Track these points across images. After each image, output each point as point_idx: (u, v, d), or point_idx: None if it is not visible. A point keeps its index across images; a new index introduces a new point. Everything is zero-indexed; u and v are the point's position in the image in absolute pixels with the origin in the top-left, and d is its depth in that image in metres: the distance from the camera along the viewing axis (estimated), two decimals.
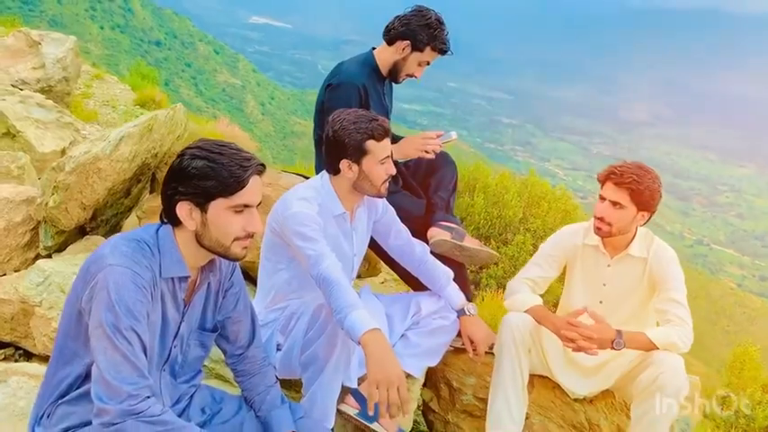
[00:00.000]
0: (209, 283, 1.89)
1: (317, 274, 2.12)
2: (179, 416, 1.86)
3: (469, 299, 3.13)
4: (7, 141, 4.87)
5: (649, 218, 2.77)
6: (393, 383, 1.87)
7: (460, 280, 3.12)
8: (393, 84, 3.16)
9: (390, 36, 2.91)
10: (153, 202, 3.28)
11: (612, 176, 2.68)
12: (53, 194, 2.88)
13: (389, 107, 3.12)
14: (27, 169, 3.95)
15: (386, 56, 2.96)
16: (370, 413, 1.92)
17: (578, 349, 2.57)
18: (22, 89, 6.25)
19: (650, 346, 2.58)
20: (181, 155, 1.69)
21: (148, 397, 1.57)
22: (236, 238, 1.72)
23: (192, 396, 1.95)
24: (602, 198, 2.72)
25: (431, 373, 3.11)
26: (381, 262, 3.33)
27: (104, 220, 3.24)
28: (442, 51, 2.94)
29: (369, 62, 2.97)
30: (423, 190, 3.11)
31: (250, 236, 1.75)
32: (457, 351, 3.04)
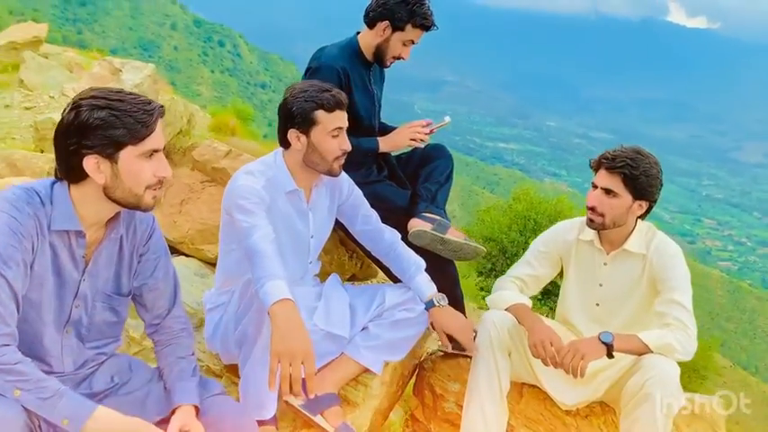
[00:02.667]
0: (121, 246, 1.82)
1: (247, 246, 2.01)
2: (81, 381, 1.80)
3: (459, 303, 2.92)
4: None
5: (649, 208, 2.47)
6: (296, 357, 1.71)
7: (448, 280, 2.92)
8: (383, 70, 3.04)
9: (369, 18, 2.79)
10: None
11: (604, 161, 2.42)
12: None
13: (377, 94, 2.99)
14: None
15: (368, 40, 2.84)
16: (271, 388, 1.77)
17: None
18: None
19: (643, 349, 2.26)
20: (76, 107, 1.62)
21: (7, 345, 1.50)
22: (148, 186, 1.67)
23: (102, 363, 1.87)
24: (595, 186, 2.46)
25: (418, 380, 2.90)
26: None
27: None
28: (425, 27, 2.79)
29: (351, 46, 2.86)
30: (412, 181, 2.94)
31: (160, 182, 1.70)
32: (446, 356, 2.82)
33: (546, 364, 2.32)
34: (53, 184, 1.69)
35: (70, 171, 1.64)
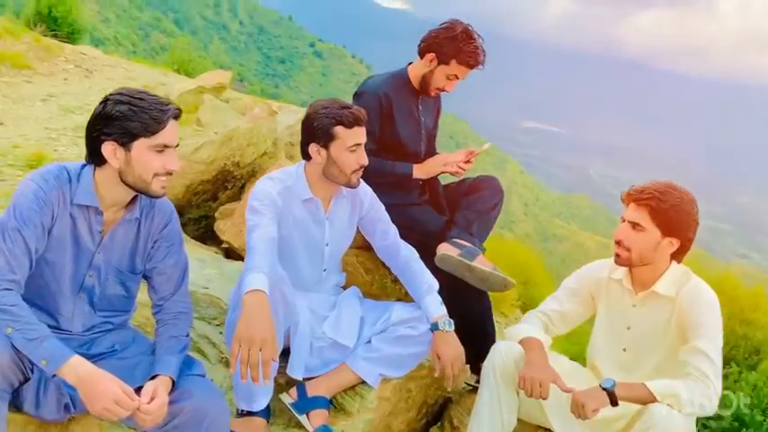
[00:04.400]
0: (138, 230, 2.07)
1: (247, 242, 2.17)
2: (84, 343, 2.04)
3: (489, 337, 2.85)
4: None
5: (681, 248, 2.27)
6: (255, 343, 1.82)
7: (479, 311, 2.87)
8: (438, 101, 3.12)
9: (420, 49, 2.89)
10: (230, 206, 3.63)
11: (633, 194, 2.29)
12: None
13: (426, 122, 3.05)
14: None
15: (417, 69, 2.93)
16: (232, 371, 1.87)
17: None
18: None
19: (649, 398, 2.08)
20: (105, 101, 1.92)
21: (9, 289, 1.77)
22: (156, 174, 1.91)
23: (108, 331, 2.11)
24: (623, 220, 2.32)
25: (444, 413, 2.86)
26: None
27: (192, 219, 3.67)
28: (470, 65, 2.83)
29: (400, 75, 2.96)
30: (453, 208, 2.95)
31: (169, 173, 1.94)
32: (474, 390, 2.76)
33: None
34: (84, 166, 1.99)
35: (93, 155, 1.92)
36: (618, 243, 2.31)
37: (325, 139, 2.35)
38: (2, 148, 5.49)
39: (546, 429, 2.51)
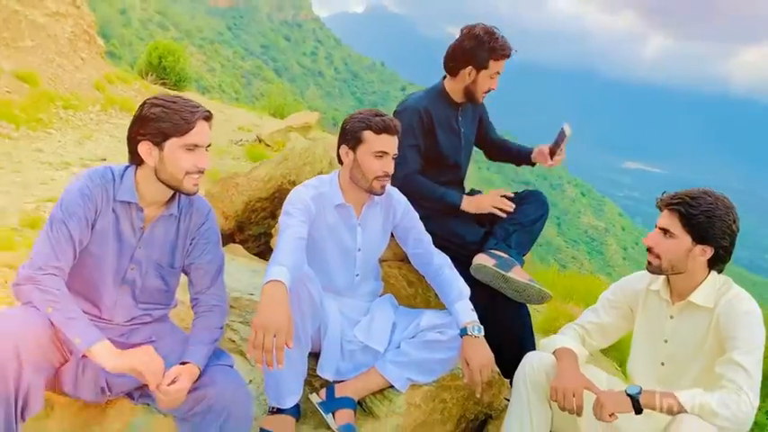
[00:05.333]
0: (178, 227, 2.23)
1: (276, 243, 2.27)
2: (123, 333, 2.18)
3: (525, 350, 2.78)
4: None
5: (717, 256, 2.16)
6: (270, 330, 1.88)
7: (516, 325, 2.82)
8: (476, 110, 3.14)
9: (451, 68, 2.93)
10: None
11: (665, 199, 2.21)
12: None
13: (466, 132, 3.08)
14: None
15: (453, 86, 2.97)
16: (249, 355, 1.95)
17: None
18: None
19: (678, 408, 1.97)
20: (142, 105, 2.11)
21: (54, 275, 1.94)
22: (188, 173, 2.06)
23: (147, 323, 2.25)
24: (656, 227, 2.25)
25: (481, 427, 2.81)
26: None
27: (252, 235, 3.84)
28: (506, 56, 2.87)
29: (437, 89, 3.01)
30: (494, 220, 2.93)
31: (200, 172, 2.09)
32: None
33: (568, 412, 2.14)
34: (127, 167, 2.18)
35: (132, 155, 2.10)
36: (649, 250, 2.23)
37: (354, 142, 2.44)
38: None
39: None
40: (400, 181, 2.81)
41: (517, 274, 2.68)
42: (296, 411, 2.37)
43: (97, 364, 1.89)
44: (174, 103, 2.06)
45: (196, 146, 2.05)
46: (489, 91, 2.97)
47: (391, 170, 2.45)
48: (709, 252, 2.15)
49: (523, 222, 2.88)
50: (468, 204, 2.92)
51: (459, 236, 2.87)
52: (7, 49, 13.98)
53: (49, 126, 11.04)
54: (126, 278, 2.17)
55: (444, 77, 3.04)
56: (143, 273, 2.20)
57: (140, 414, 2.12)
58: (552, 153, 3.03)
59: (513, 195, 2.96)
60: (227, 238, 3.84)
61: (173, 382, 1.95)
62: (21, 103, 10.93)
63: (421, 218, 2.75)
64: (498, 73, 2.92)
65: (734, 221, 2.14)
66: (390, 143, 2.44)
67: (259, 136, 12.23)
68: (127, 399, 2.13)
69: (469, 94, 2.96)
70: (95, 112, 14.84)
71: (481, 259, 2.73)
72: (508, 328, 2.79)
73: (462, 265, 2.73)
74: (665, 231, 2.19)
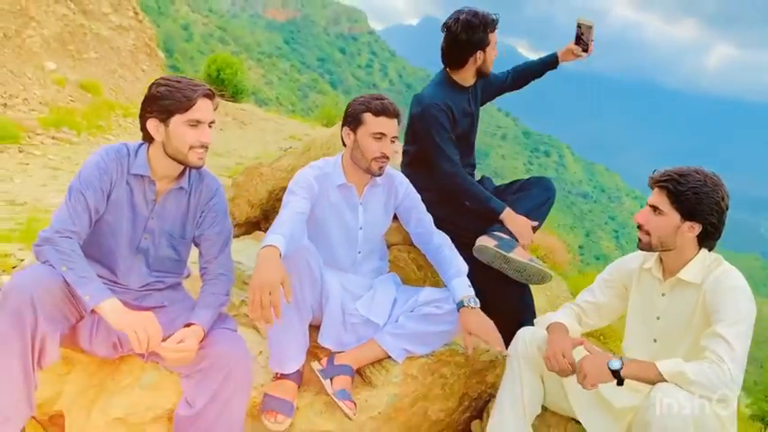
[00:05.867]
0: (189, 201, 2.40)
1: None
2: (137, 297, 2.36)
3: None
4: None
5: (707, 234, 2.18)
6: (264, 288, 2.02)
7: (515, 301, 2.87)
8: (477, 87, 3.19)
9: (456, 63, 3.03)
10: None
11: (654, 177, 2.25)
12: (230, 189, 3.79)
13: (475, 112, 3.17)
14: None
15: (462, 74, 3.06)
16: (251, 316, 2.07)
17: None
18: None
19: (658, 378, 2.00)
20: (150, 86, 2.28)
21: (70, 237, 2.13)
22: (192, 147, 2.23)
23: (160, 290, 2.42)
24: (647, 204, 2.29)
25: (486, 406, 2.87)
26: None
27: None
28: (496, 23, 2.99)
29: (445, 82, 3.08)
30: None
31: (204, 146, 2.25)
32: None
33: (561, 374, 2.21)
34: (141, 144, 2.36)
35: (144, 132, 2.29)
36: (639, 227, 2.27)
37: (355, 124, 2.57)
38: None
39: (576, 421, 2.45)
40: (448, 175, 2.91)
41: (518, 254, 2.74)
42: (298, 378, 2.49)
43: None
44: (178, 82, 2.23)
45: (198, 122, 2.21)
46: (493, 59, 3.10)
47: (389, 152, 2.56)
48: (698, 228, 2.18)
49: (529, 207, 2.93)
50: (510, 218, 2.89)
51: (459, 223, 2.95)
52: (73, 60, 14.77)
53: (108, 132, 11.61)
54: (140, 247, 2.35)
55: (446, 70, 3.11)
56: (156, 242, 2.37)
57: (150, 371, 2.28)
58: (584, 48, 3.20)
59: (536, 224, 2.95)
60: (253, 226, 4.01)
61: (180, 342, 2.11)
62: (83, 111, 11.54)
63: (427, 203, 2.85)
64: (497, 40, 3.04)
65: (722, 198, 2.17)
66: (389, 125, 2.55)
67: (310, 143, 12.55)
68: (138, 357, 2.30)
69: (482, 72, 3.08)
70: None
71: (483, 240, 2.80)
72: (510, 312, 2.85)
73: (466, 248, 2.81)
74: (654, 208, 2.22)
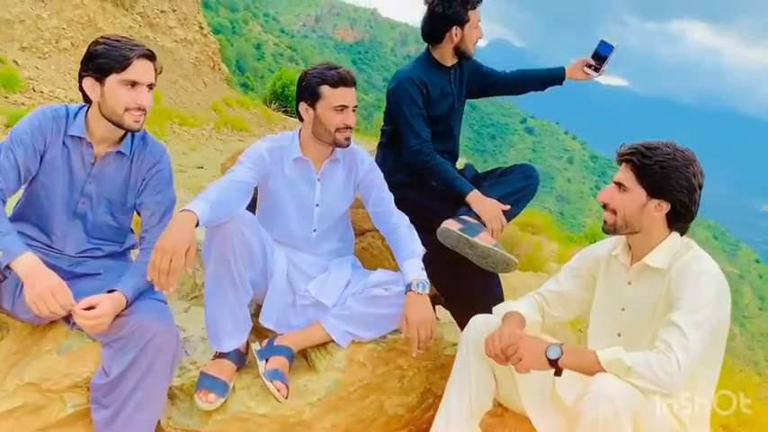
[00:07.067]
0: (130, 167, 2.32)
1: None
2: (73, 263, 2.29)
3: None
4: None
5: (677, 214, 1.94)
6: (167, 252, 1.90)
7: (486, 292, 2.67)
8: (463, 70, 3.03)
9: (434, 38, 2.87)
10: None
11: (621, 152, 2.02)
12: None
13: (456, 94, 2.98)
14: None
15: (442, 51, 2.89)
16: (148, 277, 1.95)
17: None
18: None
19: (597, 367, 1.77)
20: (89, 45, 2.22)
21: None
22: (127, 109, 2.15)
23: (98, 258, 2.34)
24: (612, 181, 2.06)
25: None
26: None
27: None
28: (477, 1, 2.81)
29: (426, 58, 2.93)
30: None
31: (140, 108, 2.16)
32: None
33: (497, 361, 2.02)
34: (82, 107, 2.30)
35: (81, 92, 2.22)
36: (604, 207, 2.04)
37: (312, 99, 2.44)
38: (196, 187, 6.58)
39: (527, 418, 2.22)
40: (413, 152, 2.76)
41: (483, 239, 2.54)
42: (237, 357, 2.36)
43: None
44: (118, 41, 2.16)
45: (135, 82, 2.13)
46: (478, 40, 2.90)
47: (353, 123, 2.43)
48: (666, 207, 1.94)
49: (504, 192, 2.73)
50: (476, 200, 2.70)
51: (429, 207, 2.78)
52: None
53: (161, 138, 11.98)
54: (77, 211, 2.28)
55: (428, 48, 2.97)
56: (94, 207, 2.30)
57: (72, 338, 2.20)
58: (596, 68, 3.01)
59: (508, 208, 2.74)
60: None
61: (92, 308, 2.01)
62: None
63: (397, 184, 2.69)
64: (479, 19, 2.85)
65: (694, 176, 1.92)
66: (348, 95, 2.42)
67: None
68: (65, 324, 2.22)
69: (461, 51, 2.90)
70: (208, 129, 15.91)
71: (448, 224, 2.61)
72: (479, 301, 2.64)
73: (430, 233, 2.64)
74: (619, 185, 2.00)
